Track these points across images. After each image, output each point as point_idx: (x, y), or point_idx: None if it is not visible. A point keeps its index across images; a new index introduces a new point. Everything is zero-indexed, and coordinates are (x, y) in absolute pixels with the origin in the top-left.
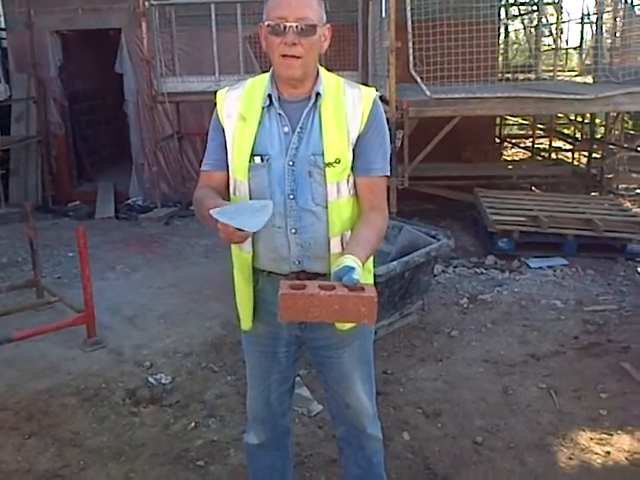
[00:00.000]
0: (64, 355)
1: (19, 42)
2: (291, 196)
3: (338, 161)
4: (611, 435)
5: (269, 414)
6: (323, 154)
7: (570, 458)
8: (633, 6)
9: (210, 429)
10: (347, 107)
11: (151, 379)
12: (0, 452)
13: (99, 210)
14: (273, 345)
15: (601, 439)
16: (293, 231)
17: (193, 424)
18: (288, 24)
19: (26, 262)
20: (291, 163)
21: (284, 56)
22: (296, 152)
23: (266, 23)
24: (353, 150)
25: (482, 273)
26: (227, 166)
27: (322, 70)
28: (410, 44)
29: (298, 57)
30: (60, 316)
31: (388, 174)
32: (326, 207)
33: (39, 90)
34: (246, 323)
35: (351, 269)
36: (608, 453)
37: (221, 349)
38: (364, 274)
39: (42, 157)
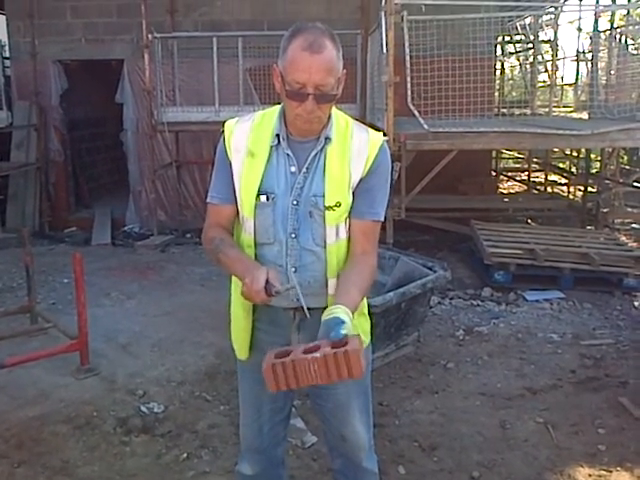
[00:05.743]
0: (56, 382)
1: (22, 71)
2: (293, 235)
3: (338, 204)
4: (610, 472)
5: (262, 443)
6: (324, 196)
7: None
8: (627, 45)
9: (202, 460)
10: (352, 151)
11: (143, 408)
12: None
13: (95, 236)
14: None
15: (600, 476)
16: (293, 270)
17: (185, 455)
18: (307, 92)
19: (21, 288)
20: (295, 202)
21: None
22: (300, 192)
23: (285, 87)
24: (353, 193)
25: (478, 305)
26: (235, 199)
27: (334, 111)
28: (408, 79)
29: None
30: (54, 342)
31: (382, 220)
32: (324, 248)
33: (40, 118)
34: (243, 353)
35: (340, 323)
36: None
37: (215, 378)
38: (357, 317)
39: (40, 183)
